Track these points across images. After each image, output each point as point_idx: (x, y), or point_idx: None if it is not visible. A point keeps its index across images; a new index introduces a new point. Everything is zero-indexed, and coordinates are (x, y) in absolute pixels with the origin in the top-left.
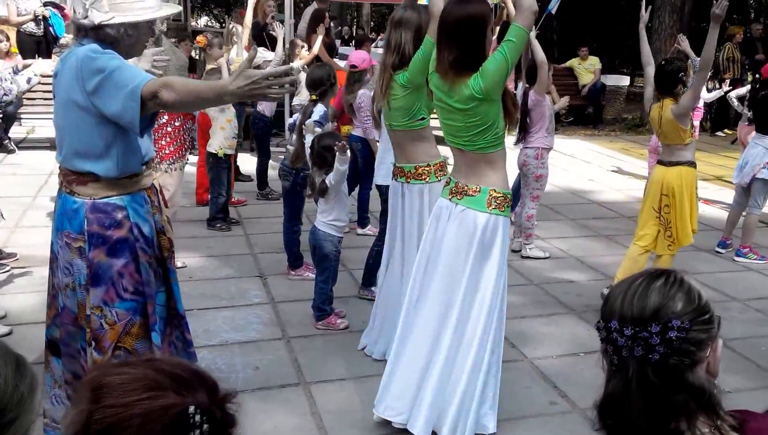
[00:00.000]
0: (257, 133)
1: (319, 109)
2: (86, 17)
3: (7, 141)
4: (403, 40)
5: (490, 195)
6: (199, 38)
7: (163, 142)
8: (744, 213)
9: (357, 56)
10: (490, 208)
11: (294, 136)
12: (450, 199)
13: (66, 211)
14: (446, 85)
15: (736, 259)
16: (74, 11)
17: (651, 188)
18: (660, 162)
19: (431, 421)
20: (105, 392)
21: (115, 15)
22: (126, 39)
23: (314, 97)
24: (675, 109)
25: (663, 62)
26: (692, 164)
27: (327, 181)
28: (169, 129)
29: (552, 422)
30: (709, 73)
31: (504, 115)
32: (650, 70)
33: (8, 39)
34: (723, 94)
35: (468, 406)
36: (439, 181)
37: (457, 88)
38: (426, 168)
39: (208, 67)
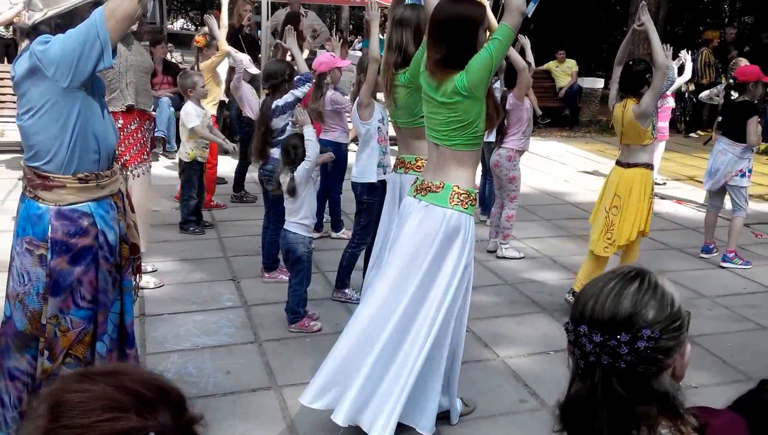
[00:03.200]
0: (243, 136)
1: (286, 98)
2: (27, 21)
3: None
4: (405, 39)
5: (453, 191)
6: (197, 38)
7: (122, 148)
8: (723, 216)
9: (316, 60)
10: (452, 204)
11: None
12: (415, 196)
13: (29, 217)
14: (434, 81)
15: (723, 264)
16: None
17: (606, 189)
18: (618, 163)
19: (353, 412)
20: (63, 411)
21: (47, 10)
22: (65, 28)
23: (267, 92)
24: (636, 109)
25: (630, 62)
26: (649, 166)
27: (297, 175)
28: (125, 133)
29: (521, 420)
30: (684, 79)
31: (485, 118)
32: (619, 70)
33: None
34: (685, 81)
35: (396, 399)
36: None
37: (444, 84)
38: (426, 161)
39: (206, 64)
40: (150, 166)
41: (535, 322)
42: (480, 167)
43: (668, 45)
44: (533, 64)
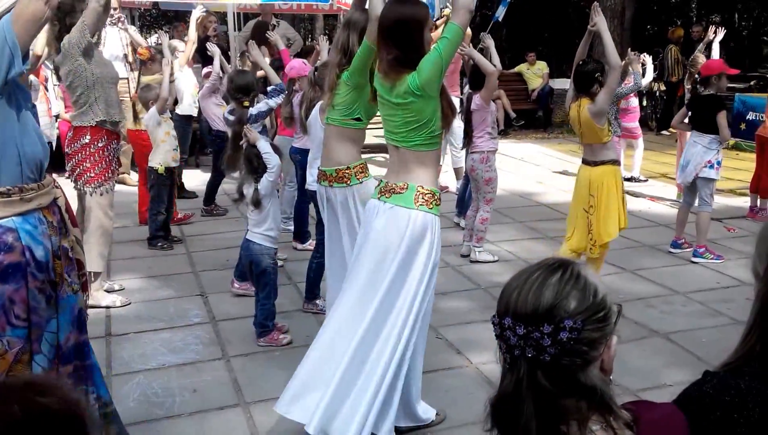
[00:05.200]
0: (216, 150)
1: (259, 107)
2: None
3: None
4: (351, 41)
5: (418, 191)
6: (141, 50)
7: (88, 164)
8: (693, 211)
9: (288, 66)
10: (417, 205)
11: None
12: (379, 198)
13: None
14: (388, 83)
15: (694, 259)
16: None
17: (579, 189)
18: (584, 162)
19: (323, 422)
20: None
21: None
22: None
23: (246, 104)
24: (591, 108)
25: (580, 62)
26: (616, 162)
27: (261, 188)
28: (92, 150)
29: None
30: (647, 80)
31: (441, 117)
32: None
33: None
34: (648, 82)
35: (367, 408)
36: (361, 182)
37: (397, 85)
38: (346, 171)
39: (145, 80)
40: (114, 185)
41: None
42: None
43: (635, 52)
44: (499, 66)
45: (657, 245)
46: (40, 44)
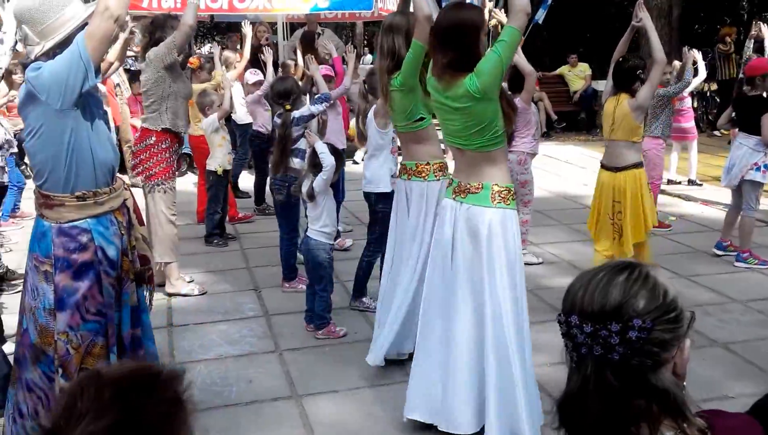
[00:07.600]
0: (255, 149)
1: (302, 111)
2: (27, 56)
3: None
4: (396, 44)
5: (493, 190)
6: (192, 60)
7: (151, 163)
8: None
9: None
10: (495, 203)
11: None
12: (454, 199)
13: (36, 234)
14: (442, 86)
15: (737, 264)
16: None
17: (601, 196)
18: (604, 167)
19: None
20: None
21: (44, 42)
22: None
23: (288, 107)
24: (633, 103)
25: (621, 59)
26: (638, 165)
27: (315, 184)
28: (155, 150)
29: (547, 432)
30: (699, 79)
31: (502, 116)
32: None
33: None
34: (701, 81)
35: (530, 401)
36: (438, 180)
37: (454, 88)
38: (426, 166)
39: (195, 87)
40: (175, 184)
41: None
42: None
43: (688, 47)
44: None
45: (710, 251)
46: (113, 52)
